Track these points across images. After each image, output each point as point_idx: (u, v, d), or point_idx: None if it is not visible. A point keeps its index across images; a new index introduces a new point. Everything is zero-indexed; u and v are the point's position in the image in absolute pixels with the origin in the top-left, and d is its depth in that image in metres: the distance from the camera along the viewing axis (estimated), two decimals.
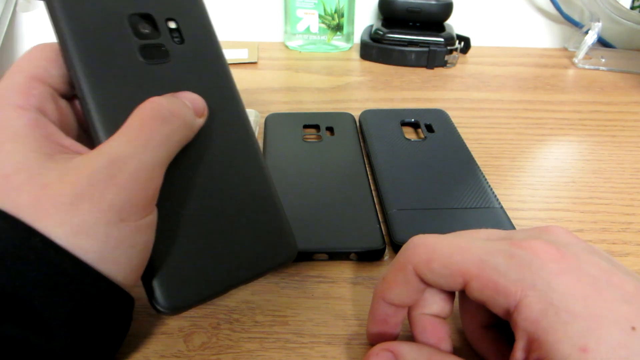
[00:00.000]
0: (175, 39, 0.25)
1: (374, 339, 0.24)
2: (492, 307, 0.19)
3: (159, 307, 0.22)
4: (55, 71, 0.23)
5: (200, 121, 0.24)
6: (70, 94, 0.24)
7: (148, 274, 0.22)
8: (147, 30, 0.24)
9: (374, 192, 0.35)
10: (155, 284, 0.22)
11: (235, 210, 0.24)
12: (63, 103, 0.23)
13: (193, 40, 0.25)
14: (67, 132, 0.23)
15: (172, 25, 0.25)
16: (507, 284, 0.19)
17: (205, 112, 0.24)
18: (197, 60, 0.25)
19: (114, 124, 0.21)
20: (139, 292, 0.22)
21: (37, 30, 0.47)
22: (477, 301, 0.20)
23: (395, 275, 0.22)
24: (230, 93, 0.26)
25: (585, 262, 0.19)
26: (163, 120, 0.22)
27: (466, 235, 0.22)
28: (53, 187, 0.19)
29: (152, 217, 0.21)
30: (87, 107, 0.22)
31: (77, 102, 0.24)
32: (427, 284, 0.21)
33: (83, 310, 0.19)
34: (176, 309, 0.22)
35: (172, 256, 0.22)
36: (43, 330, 0.18)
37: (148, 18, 0.24)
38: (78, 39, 0.22)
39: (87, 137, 0.25)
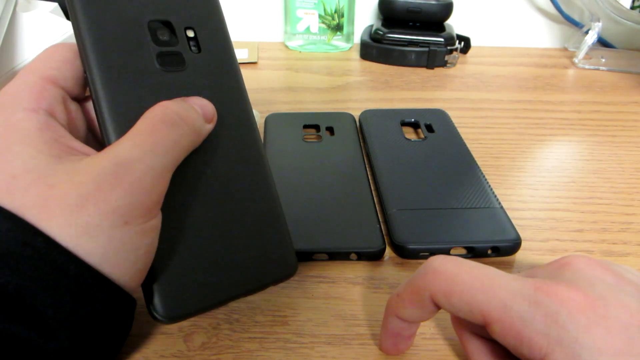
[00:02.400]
0: (193, 48, 0.25)
1: (388, 350, 0.24)
2: (513, 352, 0.19)
3: (157, 316, 0.22)
4: (69, 73, 0.23)
5: (209, 127, 0.24)
6: (82, 97, 0.24)
7: (148, 282, 0.22)
8: (165, 38, 0.24)
9: (374, 192, 0.35)
10: (155, 292, 0.22)
11: (239, 222, 0.24)
12: (74, 106, 0.23)
13: (210, 50, 0.25)
14: (76, 135, 0.23)
15: (191, 34, 0.25)
16: (532, 335, 0.18)
17: (215, 118, 0.24)
18: (212, 69, 0.25)
19: (125, 128, 0.22)
20: (139, 292, 0.22)
21: (37, 30, 0.47)
22: (498, 341, 0.19)
23: (410, 296, 0.21)
24: (242, 104, 0.26)
25: (615, 306, 0.18)
26: (172, 124, 0.22)
27: (489, 268, 0.21)
28: (59, 188, 0.19)
29: (156, 221, 0.21)
30: (100, 109, 0.22)
31: (87, 105, 0.24)
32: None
33: (85, 311, 0.19)
34: (174, 319, 0.22)
35: (173, 265, 0.22)
36: (45, 330, 0.19)
37: (167, 25, 0.24)
38: (97, 41, 0.22)
39: (96, 141, 0.25)
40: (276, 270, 0.25)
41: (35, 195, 0.19)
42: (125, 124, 0.22)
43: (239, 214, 0.25)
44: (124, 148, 0.20)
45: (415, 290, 0.21)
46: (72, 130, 0.23)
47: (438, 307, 0.21)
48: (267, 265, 0.25)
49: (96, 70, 0.22)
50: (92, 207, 0.19)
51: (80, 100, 0.24)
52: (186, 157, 0.23)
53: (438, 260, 0.21)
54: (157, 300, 0.22)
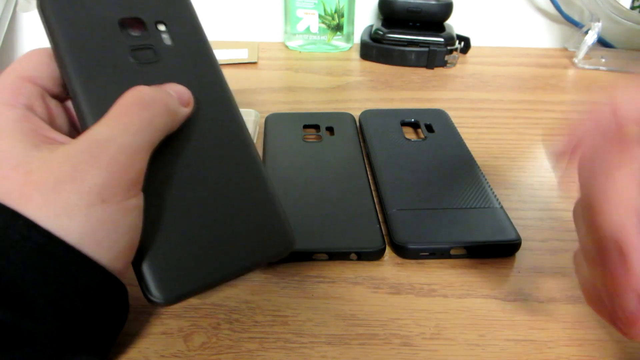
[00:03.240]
0: (165, 41, 0.25)
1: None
2: None
3: (152, 298, 0.22)
4: (46, 74, 0.23)
5: (185, 110, 0.24)
6: (63, 96, 0.25)
7: (140, 265, 0.22)
8: (136, 34, 0.25)
9: (374, 192, 0.35)
10: (147, 274, 0.22)
11: (229, 201, 0.25)
12: (53, 103, 0.24)
13: (182, 42, 0.26)
14: (58, 131, 0.23)
15: (162, 27, 0.26)
16: None
17: (191, 102, 0.25)
18: (186, 60, 0.26)
19: None
20: (138, 290, 0.22)
21: (37, 30, 0.47)
22: None
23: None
24: (220, 89, 0.26)
25: None
26: (144, 105, 0.22)
27: None
28: (37, 173, 0.20)
29: (137, 201, 0.21)
30: (78, 105, 0.23)
31: (68, 104, 0.25)
32: None
33: (68, 291, 0.20)
34: (169, 300, 0.22)
35: (164, 245, 0.23)
36: (28, 311, 0.19)
37: (138, 22, 0.25)
38: (70, 42, 0.23)
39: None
40: (272, 245, 0.25)
41: (13, 182, 0.20)
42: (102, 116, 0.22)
43: (228, 192, 0.25)
44: (97, 130, 0.21)
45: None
46: (53, 125, 0.23)
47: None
48: (262, 240, 0.25)
49: (71, 70, 0.23)
50: (69, 187, 0.20)
51: (62, 99, 0.25)
52: (170, 142, 0.23)
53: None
54: (150, 282, 0.22)
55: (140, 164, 0.21)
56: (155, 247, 0.22)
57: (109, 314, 0.22)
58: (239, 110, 0.27)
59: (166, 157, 0.23)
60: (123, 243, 0.21)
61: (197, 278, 0.23)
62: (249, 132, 0.27)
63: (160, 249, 0.22)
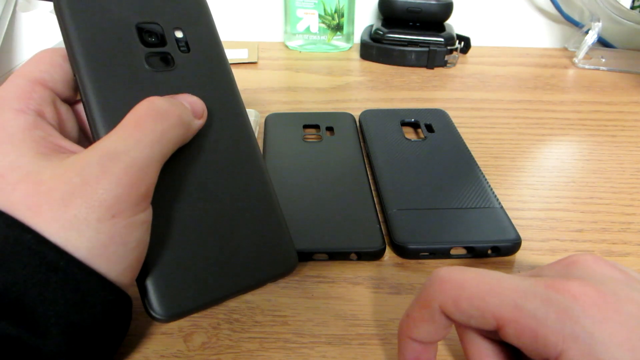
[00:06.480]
0: (182, 48, 0.25)
1: None
2: (527, 353, 0.18)
3: (153, 314, 0.22)
4: (58, 76, 0.23)
5: (198, 123, 0.24)
6: (73, 99, 0.24)
7: (144, 280, 0.22)
8: (153, 39, 0.25)
9: (374, 192, 0.35)
10: (150, 290, 0.22)
11: (235, 218, 0.24)
12: (64, 108, 0.24)
13: (199, 50, 0.25)
14: (68, 136, 0.23)
15: (179, 34, 0.25)
16: (546, 333, 0.17)
17: (205, 114, 0.24)
18: (202, 69, 0.25)
19: (114, 127, 0.22)
20: (137, 291, 0.22)
21: (37, 30, 0.47)
22: (511, 344, 0.19)
23: (420, 312, 0.21)
24: (233, 102, 0.26)
25: (626, 302, 0.18)
26: (158, 117, 0.22)
27: (494, 272, 0.20)
28: (46, 184, 0.19)
29: (146, 215, 0.21)
30: (90, 110, 0.22)
31: (79, 108, 0.24)
32: (455, 321, 0.20)
33: (75, 307, 0.19)
34: (171, 317, 0.22)
35: (169, 262, 0.22)
36: (36, 327, 0.19)
37: (155, 27, 0.25)
38: (85, 44, 0.23)
39: (88, 142, 0.25)
40: (275, 265, 0.25)
41: (23, 192, 0.19)
42: (114, 124, 0.22)
43: (235, 209, 0.25)
44: (109, 142, 0.21)
45: (424, 303, 0.20)
46: (63, 131, 0.23)
47: (450, 320, 0.20)
48: (266, 260, 0.25)
49: (85, 73, 0.22)
50: (78, 201, 0.19)
51: (71, 102, 0.24)
52: (179, 154, 0.23)
53: (442, 270, 0.20)
54: (153, 298, 0.22)
55: (152, 177, 0.21)
56: (160, 263, 0.22)
57: (115, 325, 0.22)
58: (249, 122, 0.26)
59: (174, 169, 0.23)
60: (131, 258, 0.21)
61: (200, 295, 0.23)
62: (258, 145, 0.26)
63: (165, 265, 0.22)
